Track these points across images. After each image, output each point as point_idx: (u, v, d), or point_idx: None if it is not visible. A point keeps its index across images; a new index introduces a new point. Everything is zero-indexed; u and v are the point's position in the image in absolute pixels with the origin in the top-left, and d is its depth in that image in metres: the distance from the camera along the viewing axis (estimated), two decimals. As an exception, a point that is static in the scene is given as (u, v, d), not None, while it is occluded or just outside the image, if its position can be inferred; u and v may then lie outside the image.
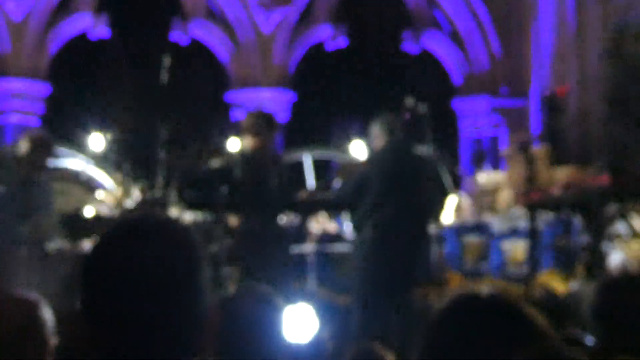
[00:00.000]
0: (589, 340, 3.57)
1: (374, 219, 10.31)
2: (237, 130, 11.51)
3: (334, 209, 12.67)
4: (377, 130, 10.62)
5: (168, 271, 2.13)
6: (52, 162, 11.55)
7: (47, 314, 4.12)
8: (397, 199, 10.27)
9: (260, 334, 3.89)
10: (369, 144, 11.17)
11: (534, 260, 11.88)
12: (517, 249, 13.00)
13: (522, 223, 12.69)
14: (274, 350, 3.94)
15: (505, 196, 14.30)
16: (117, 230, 2.27)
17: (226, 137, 12.34)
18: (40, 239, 9.96)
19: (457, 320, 2.56)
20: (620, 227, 12.01)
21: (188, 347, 2.17)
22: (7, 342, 3.96)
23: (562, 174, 12.76)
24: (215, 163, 10.94)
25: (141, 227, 2.24)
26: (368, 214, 10.37)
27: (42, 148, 10.68)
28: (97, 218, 11.55)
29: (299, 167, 15.63)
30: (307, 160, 16.06)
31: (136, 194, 11.85)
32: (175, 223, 2.32)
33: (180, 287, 2.14)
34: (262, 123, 10.90)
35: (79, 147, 17.50)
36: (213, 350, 3.73)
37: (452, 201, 12.92)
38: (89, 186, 14.72)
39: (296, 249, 12.32)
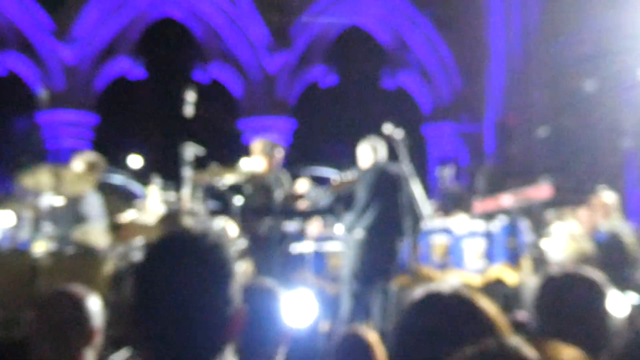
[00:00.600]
0: (532, 324, 3.55)
1: (363, 223, 10.39)
2: (248, 152, 11.54)
3: (327, 215, 12.66)
4: (363, 151, 10.75)
5: (205, 277, 2.15)
6: (100, 178, 11.58)
7: (94, 304, 4.10)
8: (381, 207, 10.35)
9: (267, 318, 3.88)
10: (356, 163, 11.21)
11: (488, 256, 11.87)
12: (475, 246, 12.98)
13: (480, 226, 12.66)
14: (279, 330, 3.94)
15: (467, 204, 14.27)
16: (163, 244, 2.27)
17: (239, 157, 12.32)
18: (89, 241, 9.94)
19: (424, 313, 2.56)
20: (558, 227, 12.01)
21: (224, 337, 2.17)
22: (59, 328, 3.94)
23: (512, 186, 12.73)
24: (230, 179, 10.95)
25: (183, 241, 2.25)
26: (358, 219, 10.44)
27: (94, 167, 10.75)
28: (134, 224, 11.52)
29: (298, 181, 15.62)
30: (305, 176, 16.05)
31: (166, 204, 11.81)
32: (212, 236, 2.33)
33: (215, 288, 2.14)
34: (268, 148, 11.05)
35: (121, 165, 17.50)
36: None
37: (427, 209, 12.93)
38: (129, 197, 14.69)
39: (296, 248, 12.32)
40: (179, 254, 2.19)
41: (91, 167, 10.81)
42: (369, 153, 10.81)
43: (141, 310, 2.18)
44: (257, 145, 11.43)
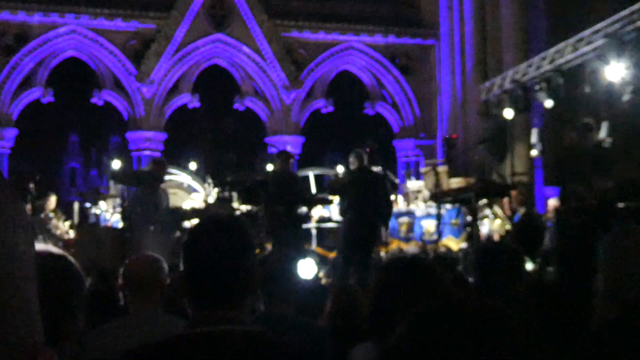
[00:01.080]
0: (471, 279, 3.54)
1: (351, 209, 10.37)
2: (271, 159, 11.52)
3: (326, 203, 12.64)
4: (352, 158, 10.74)
5: (233, 246, 2.16)
6: (168, 176, 11.58)
7: (165, 266, 4.11)
8: (364, 198, 10.33)
9: (284, 275, 3.87)
10: (347, 166, 11.21)
11: (439, 231, 11.85)
12: (429, 225, 12.96)
13: (433, 210, 12.64)
14: (292, 284, 3.93)
15: (423, 195, 14.25)
16: (204, 223, 2.31)
17: (265, 162, 12.36)
18: (161, 221, 9.94)
19: (393, 272, 2.54)
20: (487, 212, 12.00)
21: (248, 289, 2.18)
22: (143, 281, 3.95)
23: (455, 182, 12.70)
24: (259, 177, 10.94)
25: (217, 221, 2.28)
26: (348, 206, 10.42)
27: (162, 167, 10.74)
28: (193, 209, 11.52)
29: (306, 179, 15.62)
30: (311, 175, 16.04)
31: (214, 195, 11.82)
32: (236, 218, 2.37)
33: (240, 254, 2.15)
34: (285, 155, 11.02)
35: (183, 168, 17.57)
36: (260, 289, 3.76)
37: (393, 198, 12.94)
38: (188, 191, 14.70)
39: (305, 226, 12.29)
40: (213, 230, 2.21)
41: (159, 165, 10.82)
42: (355, 160, 10.80)
43: (189, 271, 2.20)
44: (277, 154, 11.44)
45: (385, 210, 10.61)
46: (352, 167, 10.86)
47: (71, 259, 1.72)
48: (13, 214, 0.73)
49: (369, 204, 10.36)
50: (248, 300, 2.21)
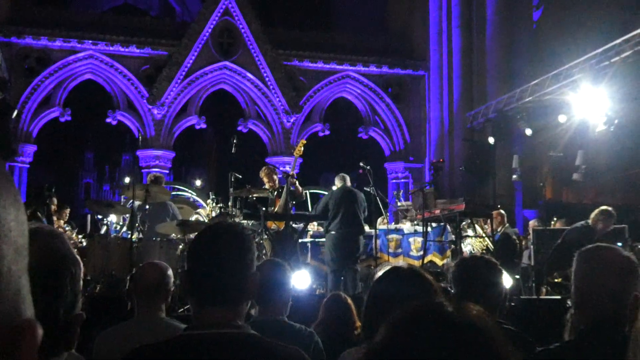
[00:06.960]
0: (453, 290, 3.52)
1: (334, 224, 10.44)
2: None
3: (317, 220, 12.62)
4: (337, 180, 10.88)
5: (231, 249, 2.16)
6: (175, 192, 11.51)
7: (170, 272, 4.09)
8: (345, 214, 10.40)
9: (277, 284, 3.85)
10: (334, 186, 11.29)
11: (425, 248, 11.84)
12: (417, 242, 12.93)
13: (420, 228, 12.62)
14: (285, 292, 3.90)
15: (411, 214, 14.22)
16: (205, 231, 2.29)
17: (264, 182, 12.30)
18: (168, 233, 9.90)
19: (390, 281, 2.53)
20: (470, 231, 11.99)
21: (244, 291, 2.17)
22: (152, 287, 3.93)
23: (440, 203, 12.68)
24: (258, 194, 10.92)
25: (217, 228, 2.27)
26: (331, 222, 10.48)
27: (158, 180, 10.75)
28: (197, 221, 11.48)
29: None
30: (307, 194, 16.00)
31: (217, 210, 11.78)
32: (236, 226, 2.36)
33: (236, 258, 2.15)
34: (270, 172, 11.11)
35: (189, 184, 17.55)
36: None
37: (380, 217, 12.90)
38: (194, 206, 14.65)
39: (301, 240, 12.24)
40: (217, 235, 2.20)
41: (155, 180, 10.83)
42: (339, 181, 10.97)
43: (192, 271, 2.19)
44: (263, 171, 11.45)
45: (369, 226, 10.72)
46: (335, 187, 10.97)
47: (62, 235, 1.67)
48: (1, 191, 0.71)
49: (350, 220, 10.43)
50: (244, 304, 2.19)
